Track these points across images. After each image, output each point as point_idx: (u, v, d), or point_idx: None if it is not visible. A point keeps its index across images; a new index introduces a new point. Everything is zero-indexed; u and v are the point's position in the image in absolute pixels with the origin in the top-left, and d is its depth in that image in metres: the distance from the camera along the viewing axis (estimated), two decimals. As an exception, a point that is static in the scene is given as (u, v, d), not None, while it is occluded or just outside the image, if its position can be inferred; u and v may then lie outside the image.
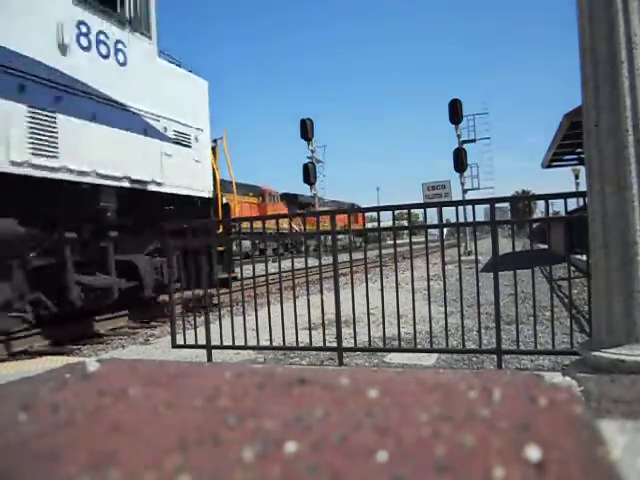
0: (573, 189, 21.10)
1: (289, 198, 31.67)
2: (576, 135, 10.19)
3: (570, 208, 4.39)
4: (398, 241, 3.70)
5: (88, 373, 0.87)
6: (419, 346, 3.42)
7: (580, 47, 2.10)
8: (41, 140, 4.96)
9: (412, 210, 3.66)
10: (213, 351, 3.85)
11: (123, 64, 6.10)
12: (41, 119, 4.95)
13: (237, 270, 6.76)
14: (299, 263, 10.80)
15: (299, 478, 0.50)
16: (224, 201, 8.27)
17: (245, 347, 3.78)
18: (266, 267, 3.94)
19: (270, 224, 6.01)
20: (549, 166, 18.36)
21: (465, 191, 17.43)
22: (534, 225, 4.14)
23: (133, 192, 6.26)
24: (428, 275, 3.56)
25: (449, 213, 25.76)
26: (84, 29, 5.56)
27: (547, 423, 0.59)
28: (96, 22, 5.72)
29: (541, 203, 3.41)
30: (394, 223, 3.48)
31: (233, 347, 3.81)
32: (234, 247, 11.69)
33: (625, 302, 1.94)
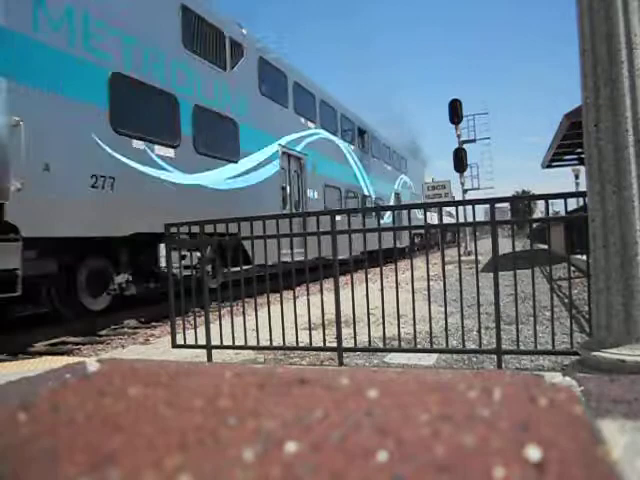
0: (573, 189, 21.09)
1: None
2: (576, 135, 10.16)
3: (570, 208, 4.39)
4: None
5: (88, 373, 0.87)
6: (419, 346, 3.41)
7: (580, 47, 2.09)
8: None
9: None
10: (213, 351, 3.85)
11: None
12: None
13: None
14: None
15: (299, 478, 0.49)
16: None
17: (245, 347, 3.77)
18: (266, 266, 3.94)
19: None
20: (549, 166, 18.34)
21: (465, 191, 17.47)
22: (534, 225, 4.13)
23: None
24: (428, 275, 3.56)
25: (449, 213, 26.40)
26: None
27: (547, 423, 0.59)
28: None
29: (541, 203, 3.41)
30: (394, 223, 3.48)
31: (233, 347, 3.81)
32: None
33: (625, 302, 1.94)
